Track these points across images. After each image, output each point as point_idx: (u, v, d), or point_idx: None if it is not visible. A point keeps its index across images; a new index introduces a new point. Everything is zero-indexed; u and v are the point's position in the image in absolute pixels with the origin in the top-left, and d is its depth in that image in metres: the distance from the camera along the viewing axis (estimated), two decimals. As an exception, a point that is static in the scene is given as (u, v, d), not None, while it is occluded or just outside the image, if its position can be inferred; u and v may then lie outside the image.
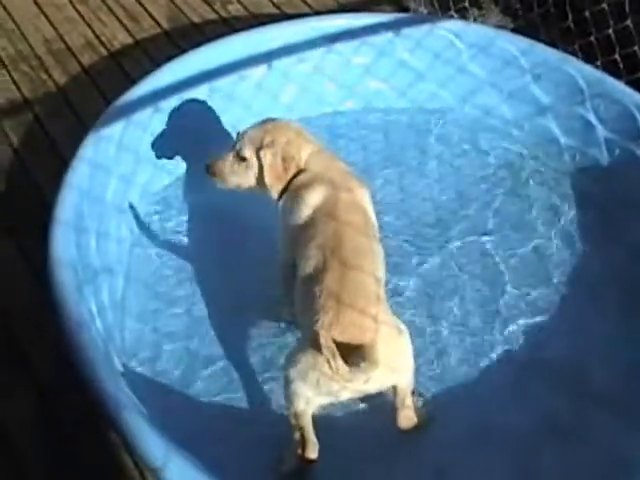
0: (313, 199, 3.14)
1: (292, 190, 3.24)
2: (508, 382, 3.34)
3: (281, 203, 3.28)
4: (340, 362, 2.58)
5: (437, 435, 3.12)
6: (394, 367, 2.79)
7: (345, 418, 3.16)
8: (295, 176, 3.25)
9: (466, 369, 3.37)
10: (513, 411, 3.23)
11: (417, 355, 3.00)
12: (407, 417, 3.04)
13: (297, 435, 2.89)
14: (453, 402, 3.26)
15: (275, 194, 3.27)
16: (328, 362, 2.58)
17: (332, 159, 3.35)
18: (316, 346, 2.65)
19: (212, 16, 5.11)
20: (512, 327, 3.51)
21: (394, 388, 2.95)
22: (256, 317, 3.52)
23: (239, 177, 3.33)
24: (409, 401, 3.01)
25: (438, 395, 3.27)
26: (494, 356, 3.42)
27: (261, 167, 3.25)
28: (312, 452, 2.90)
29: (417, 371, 3.03)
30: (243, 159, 3.29)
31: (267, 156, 3.22)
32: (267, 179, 3.24)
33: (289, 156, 3.23)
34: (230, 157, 3.32)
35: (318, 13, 5.08)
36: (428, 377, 3.30)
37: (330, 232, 3.01)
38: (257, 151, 3.25)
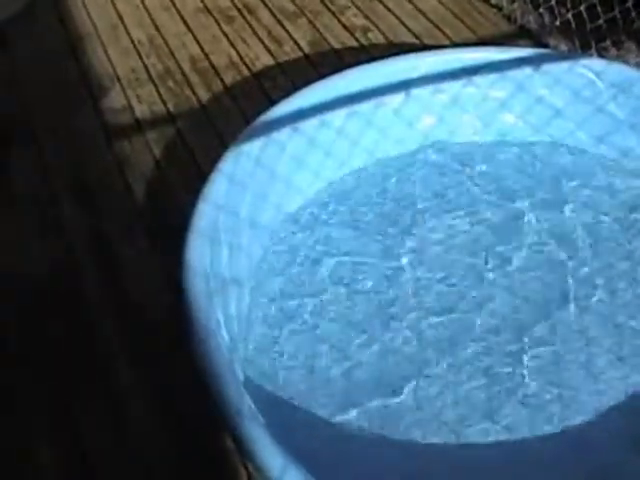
0: None
1: None
2: (628, 430, 3.25)
3: None
4: None
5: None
6: None
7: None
8: None
9: (585, 414, 3.30)
10: (632, 461, 3.14)
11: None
12: None
13: None
14: (569, 446, 3.20)
15: None
16: None
17: None
18: None
19: (352, 43, 5.19)
20: (635, 375, 3.42)
21: None
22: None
23: None
24: None
25: (554, 437, 3.21)
26: (616, 402, 3.33)
27: None
28: None
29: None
30: None
31: None
32: None
33: None
34: None
35: (456, 45, 5.10)
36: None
37: None
38: None
